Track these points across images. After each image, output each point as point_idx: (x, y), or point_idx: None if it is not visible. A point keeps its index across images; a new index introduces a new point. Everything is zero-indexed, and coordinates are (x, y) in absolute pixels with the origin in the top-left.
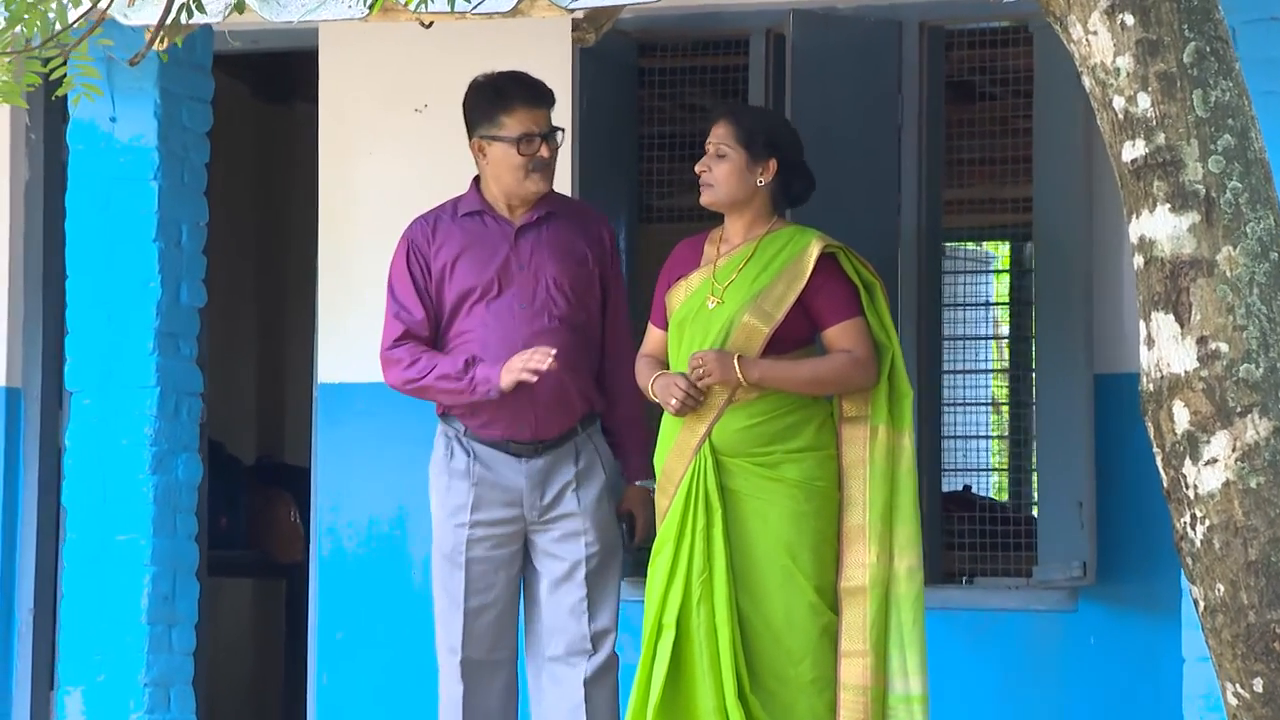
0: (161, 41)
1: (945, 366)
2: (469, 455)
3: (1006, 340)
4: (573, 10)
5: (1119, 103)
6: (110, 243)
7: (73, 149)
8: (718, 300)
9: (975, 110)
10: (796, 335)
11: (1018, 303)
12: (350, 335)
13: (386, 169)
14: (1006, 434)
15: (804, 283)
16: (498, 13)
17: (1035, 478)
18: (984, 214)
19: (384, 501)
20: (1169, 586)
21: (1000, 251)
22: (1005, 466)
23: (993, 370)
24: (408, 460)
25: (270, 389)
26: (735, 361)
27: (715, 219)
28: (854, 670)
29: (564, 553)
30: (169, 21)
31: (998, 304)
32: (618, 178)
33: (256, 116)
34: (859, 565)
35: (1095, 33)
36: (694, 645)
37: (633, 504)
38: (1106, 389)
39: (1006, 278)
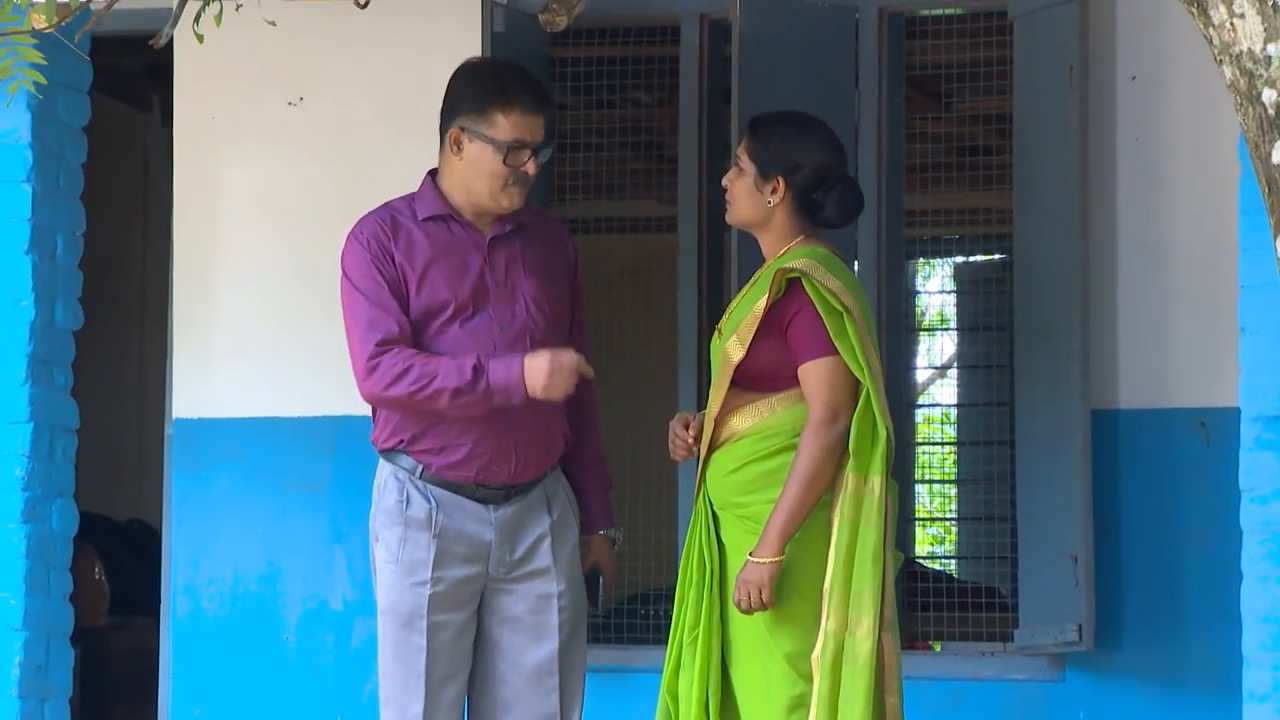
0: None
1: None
2: (430, 502)
3: None
4: None
5: (1270, 96)
6: None
7: None
8: (719, 331)
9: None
10: (787, 374)
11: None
12: (212, 363)
13: (256, 171)
14: None
15: (764, 305)
16: None
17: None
18: (942, 226)
19: (252, 555)
20: (1175, 652)
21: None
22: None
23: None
24: (280, 507)
25: None
26: (749, 558)
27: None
28: None
29: (532, 617)
30: None
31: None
32: None
33: None
34: (820, 633)
35: (1241, 15)
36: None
37: (600, 557)
38: (1097, 426)
39: None
